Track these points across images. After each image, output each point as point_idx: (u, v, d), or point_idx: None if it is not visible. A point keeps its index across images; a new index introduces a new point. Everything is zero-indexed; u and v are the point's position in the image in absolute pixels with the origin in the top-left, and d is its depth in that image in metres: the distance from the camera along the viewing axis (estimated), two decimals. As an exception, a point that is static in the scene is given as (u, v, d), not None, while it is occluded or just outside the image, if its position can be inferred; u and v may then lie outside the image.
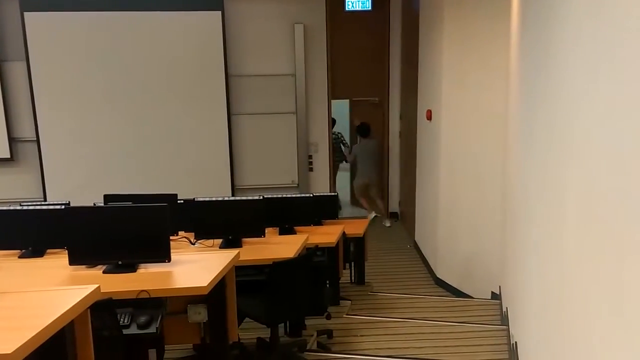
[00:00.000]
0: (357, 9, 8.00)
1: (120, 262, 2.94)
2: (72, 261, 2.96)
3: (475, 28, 5.18)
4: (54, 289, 2.08)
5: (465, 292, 5.58)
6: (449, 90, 5.38)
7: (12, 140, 7.39)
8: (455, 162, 5.49)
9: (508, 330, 4.03)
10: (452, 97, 5.38)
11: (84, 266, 3.00)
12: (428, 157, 6.15)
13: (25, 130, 7.39)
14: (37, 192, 7.47)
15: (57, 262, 3.17)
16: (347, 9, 7.98)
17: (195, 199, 3.88)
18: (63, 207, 3.54)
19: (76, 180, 7.41)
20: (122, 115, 7.41)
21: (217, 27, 7.30)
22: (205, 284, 2.63)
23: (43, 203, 4.88)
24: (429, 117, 5.95)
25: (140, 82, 7.35)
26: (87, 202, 4.09)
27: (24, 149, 7.48)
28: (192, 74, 7.40)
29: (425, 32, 6.19)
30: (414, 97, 6.87)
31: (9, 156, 7.40)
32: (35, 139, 7.33)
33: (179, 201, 4.25)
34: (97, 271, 2.94)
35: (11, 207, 3.64)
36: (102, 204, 4.06)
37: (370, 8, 8.00)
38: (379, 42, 8.12)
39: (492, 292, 5.36)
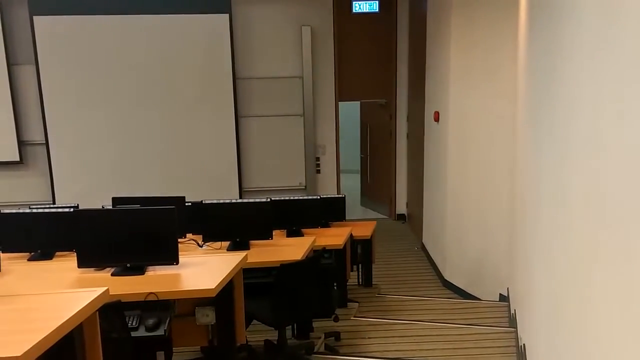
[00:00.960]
0: (365, 11, 8.00)
1: (128, 265, 2.96)
2: (81, 264, 2.98)
3: (483, 30, 5.17)
4: (63, 291, 2.10)
5: (473, 294, 5.56)
6: (456, 91, 5.37)
7: (21, 144, 7.45)
8: (463, 164, 5.47)
9: (516, 332, 4.01)
10: (459, 99, 5.37)
11: (92, 269, 3.02)
12: (435, 158, 6.14)
13: (34, 133, 7.44)
14: (46, 195, 7.52)
15: (65, 264, 3.19)
16: (354, 11, 7.98)
17: (203, 202, 3.89)
18: (72, 210, 3.56)
19: (85, 183, 7.45)
20: (130, 118, 7.45)
21: (224, 30, 7.32)
22: (213, 287, 2.64)
23: (52, 206, 4.92)
24: (437, 119, 5.93)
25: (148, 85, 7.39)
26: (96, 205, 4.11)
27: (33, 152, 7.53)
28: (200, 76, 7.43)
29: (433, 34, 6.18)
30: (421, 99, 6.85)
31: (18, 159, 7.46)
32: (44, 142, 7.38)
33: (186, 204, 4.26)
34: (106, 274, 2.95)
35: (20, 210, 3.66)
36: (111, 207, 4.08)
37: (377, 10, 8.00)
38: (386, 44, 8.11)
39: (500, 294, 5.34)
